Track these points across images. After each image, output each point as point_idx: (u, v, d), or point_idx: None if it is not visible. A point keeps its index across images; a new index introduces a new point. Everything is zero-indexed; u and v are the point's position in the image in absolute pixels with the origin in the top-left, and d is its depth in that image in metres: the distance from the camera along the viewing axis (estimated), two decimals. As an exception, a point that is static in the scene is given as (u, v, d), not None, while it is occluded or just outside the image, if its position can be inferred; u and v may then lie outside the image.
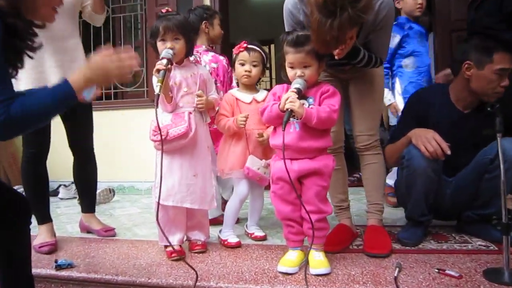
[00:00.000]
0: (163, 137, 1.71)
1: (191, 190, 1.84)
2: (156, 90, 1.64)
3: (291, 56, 1.58)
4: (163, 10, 1.91)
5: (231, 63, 2.09)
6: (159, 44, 1.83)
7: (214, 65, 2.46)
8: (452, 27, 3.41)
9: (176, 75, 1.87)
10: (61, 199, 3.67)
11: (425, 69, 2.94)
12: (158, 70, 1.68)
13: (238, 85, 2.20)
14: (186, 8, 3.77)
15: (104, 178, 3.89)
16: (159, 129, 1.64)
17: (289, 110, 1.49)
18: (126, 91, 4.16)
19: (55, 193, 3.73)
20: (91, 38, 4.12)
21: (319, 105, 1.60)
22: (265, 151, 1.99)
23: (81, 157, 2.33)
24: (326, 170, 1.60)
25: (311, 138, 1.58)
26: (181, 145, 1.81)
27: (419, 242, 1.89)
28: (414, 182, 1.85)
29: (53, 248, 2.04)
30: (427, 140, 1.76)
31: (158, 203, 1.59)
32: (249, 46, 2.01)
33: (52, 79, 1.96)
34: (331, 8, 1.36)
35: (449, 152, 1.74)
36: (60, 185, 3.76)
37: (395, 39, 2.82)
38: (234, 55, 2.04)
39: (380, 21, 1.69)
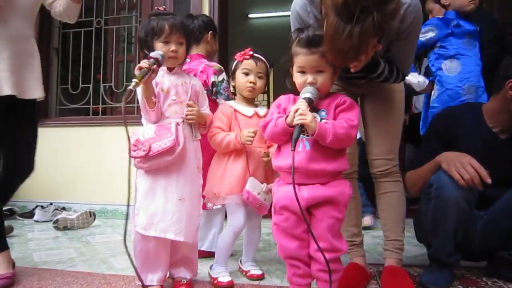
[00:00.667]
0: (144, 153, 1.48)
1: (176, 218, 1.53)
2: (131, 85, 1.36)
3: (302, 58, 1.31)
4: (161, 8, 1.65)
5: (230, 71, 1.82)
6: (160, 46, 1.57)
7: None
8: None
9: (165, 81, 1.61)
10: (36, 221, 3.33)
11: (469, 76, 2.52)
12: (141, 68, 1.42)
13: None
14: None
15: (86, 199, 3.62)
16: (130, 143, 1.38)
17: (299, 124, 1.22)
18: (116, 107, 3.89)
19: (31, 214, 3.40)
20: (81, 51, 3.89)
21: (334, 119, 1.32)
22: (266, 173, 1.71)
23: None
24: (341, 199, 1.30)
25: (324, 159, 1.29)
26: (166, 163, 1.52)
27: (446, 287, 1.59)
28: (443, 215, 1.56)
29: (8, 282, 1.70)
30: (462, 166, 1.49)
31: (140, 233, 1.37)
32: (255, 55, 1.75)
33: (3, 84, 1.68)
34: (352, 10, 1.11)
35: (489, 181, 1.46)
36: (36, 206, 3.42)
37: (429, 34, 2.53)
38: (236, 63, 1.78)
39: (406, 28, 1.44)
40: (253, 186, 1.64)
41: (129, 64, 3.92)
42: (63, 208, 3.48)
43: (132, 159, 1.50)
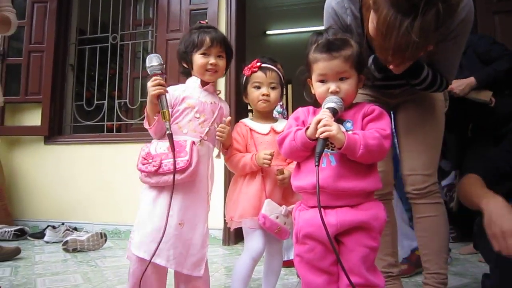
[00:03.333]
0: (154, 168, 1.37)
1: (171, 243, 1.36)
2: (166, 127, 1.34)
3: (323, 64, 1.14)
4: (203, 22, 1.60)
5: (241, 88, 1.67)
6: (198, 58, 1.49)
7: None
8: (494, 8, 2.97)
9: (193, 95, 1.51)
10: (47, 242, 3.20)
11: None
12: (158, 95, 1.35)
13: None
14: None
15: (98, 219, 3.50)
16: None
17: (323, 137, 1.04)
18: (131, 123, 3.80)
19: (42, 235, 3.29)
20: (96, 67, 3.84)
21: (362, 130, 1.14)
22: (285, 194, 1.53)
23: None
24: (375, 224, 1.11)
25: (353, 177, 1.10)
26: (173, 182, 1.37)
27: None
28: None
29: None
30: (503, 236, 1.11)
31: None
32: (264, 65, 1.60)
33: None
34: (415, 1, 0.97)
35: None
36: (48, 226, 3.31)
37: None
38: (245, 78, 1.63)
39: (455, 27, 1.27)
40: (270, 209, 1.45)
41: (144, 80, 3.84)
42: (75, 229, 3.35)
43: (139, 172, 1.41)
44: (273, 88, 1.59)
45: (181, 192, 1.41)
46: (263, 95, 1.57)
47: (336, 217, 1.08)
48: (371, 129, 1.13)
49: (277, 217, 1.45)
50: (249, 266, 1.52)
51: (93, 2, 3.91)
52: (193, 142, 1.42)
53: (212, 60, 1.49)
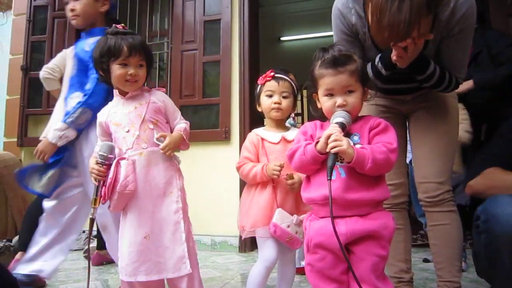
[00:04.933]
0: (104, 200, 1.41)
1: (144, 258, 1.38)
2: (91, 213, 1.41)
3: (329, 79, 1.18)
4: (119, 26, 1.50)
5: (254, 95, 1.71)
6: (116, 68, 1.43)
7: None
8: (508, 11, 2.92)
9: (116, 112, 1.48)
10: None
11: None
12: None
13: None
14: (213, 47, 3.59)
15: (118, 227, 3.57)
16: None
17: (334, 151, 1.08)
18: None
19: (64, 243, 3.37)
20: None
21: (368, 143, 1.17)
22: (297, 203, 1.54)
23: None
24: (385, 233, 1.13)
25: (362, 188, 1.13)
26: (119, 202, 1.40)
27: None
28: (498, 253, 1.32)
29: None
30: None
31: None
32: (277, 75, 1.64)
33: None
34: None
35: None
36: (70, 235, 3.39)
37: None
38: (259, 87, 1.67)
39: (457, 23, 1.30)
40: (281, 218, 1.48)
41: (161, 90, 3.92)
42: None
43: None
44: (285, 97, 1.62)
45: (134, 207, 1.41)
46: (275, 103, 1.60)
47: (346, 227, 1.11)
48: (378, 142, 1.15)
49: (288, 226, 1.47)
50: (263, 274, 1.54)
51: (111, 16, 4.02)
52: (120, 159, 1.40)
53: (131, 70, 1.42)
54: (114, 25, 1.51)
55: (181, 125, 1.55)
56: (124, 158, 1.39)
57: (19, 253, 2.30)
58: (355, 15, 1.38)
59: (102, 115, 1.50)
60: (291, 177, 1.49)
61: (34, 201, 2.39)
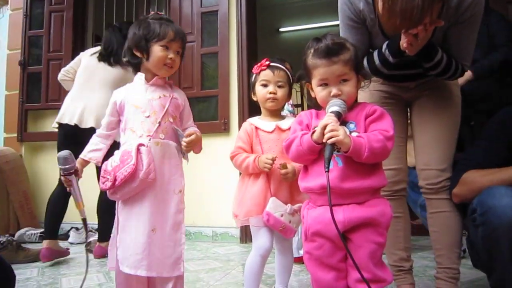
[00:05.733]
0: (110, 183, 1.35)
1: (148, 251, 1.35)
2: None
3: (323, 69, 1.17)
4: (161, 13, 1.51)
5: (250, 86, 1.71)
6: (158, 50, 1.41)
7: None
8: None
9: (138, 94, 1.45)
10: (71, 243, 3.32)
11: None
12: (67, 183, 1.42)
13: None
14: (211, 39, 3.57)
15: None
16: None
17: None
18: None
19: (66, 236, 3.41)
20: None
21: (364, 131, 1.17)
22: (291, 193, 1.55)
23: None
24: (382, 220, 1.14)
25: (359, 176, 1.13)
26: (134, 190, 1.36)
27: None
28: (496, 245, 1.31)
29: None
30: None
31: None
32: (272, 64, 1.63)
33: None
34: None
35: None
36: (71, 228, 3.43)
37: None
38: (254, 76, 1.66)
39: (466, 10, 1.29)
40: (275, 207, 1.48)
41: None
42: (97, 230, 3.45)
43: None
44: (280, 86, 1.61)
45: (148, 198, 1.38)
46: (270, 93, 1.59)
47: (343, 214, 1.11)
48: (374, 130, 1.15)
49: (281, 215, 1.48)
50: (259, 263, 1.56)
51: (107, 8, 4.01)
52: (140, 145, 1.36)
53: (171, 55, 1.42)
54: (156, 12, 1.52)
55: (192, 128, 1.53)
56: (143, 145, 1.37)
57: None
58: (362, 1, 1.37)
59: (119, 94, 1.48)
60: (284, 166, 1.49)
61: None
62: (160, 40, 1.41)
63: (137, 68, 1.49)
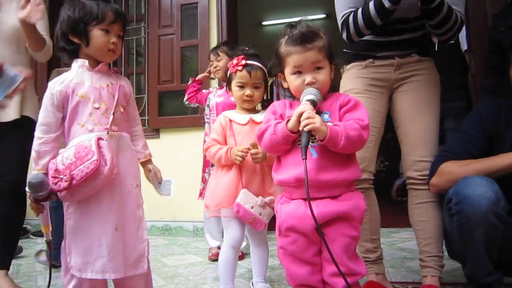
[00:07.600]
0: (66, 183, 1.18)
1: (114, 252, 1.24)
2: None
3: (297, 57, 1.15)
4: None
5: (227, 82, 1.68)
6: (99, 34, 1.27)
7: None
8: None
9: (84, 84, 1.29)
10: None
11: None
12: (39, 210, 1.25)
13: None
14: (191, 31, 3.53)
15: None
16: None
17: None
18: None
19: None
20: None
21: (339, 121, 1.16)
22: (263, 185, 1.54)
23: None
24: (356, 214, 1.13)
25: (335, 167, 1.12)
26: (96, 188, 1.23)
27: (487, 310, 1.38)
28: (470, 234, 1.34)
29: None
30: None
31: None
32: (249, 62, 1.59)
33: None
34: None
35: None
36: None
37: None
38: (229, 74, 1.63)
39: None
40: (245, 198, 1.48)
41: (138, 76, 3.85)
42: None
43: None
44: (256, 87, 1.60)
45: (107, 195, 1.26)
46: (247, 95, 1.58)
47: (317, 209, 1.10)
48: (349, 119, 1.14)
49: (252, 207, 1.47)
50: (231, 254, 1.56)
51: None
52: (99, 138, 1.24)
53: (113, 39, 1.29)
54: None
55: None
56: (102, 139, 1.24)
57: None
58: None
59: (60, 84, 1.28)
60: (255, 146, 1.46)
61: None
62: (99, 23, 1.27)
63: (74, 55, 1.33)
